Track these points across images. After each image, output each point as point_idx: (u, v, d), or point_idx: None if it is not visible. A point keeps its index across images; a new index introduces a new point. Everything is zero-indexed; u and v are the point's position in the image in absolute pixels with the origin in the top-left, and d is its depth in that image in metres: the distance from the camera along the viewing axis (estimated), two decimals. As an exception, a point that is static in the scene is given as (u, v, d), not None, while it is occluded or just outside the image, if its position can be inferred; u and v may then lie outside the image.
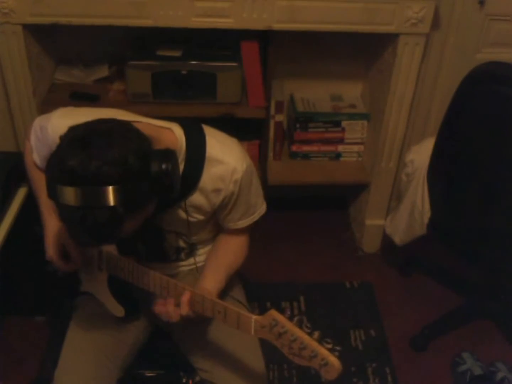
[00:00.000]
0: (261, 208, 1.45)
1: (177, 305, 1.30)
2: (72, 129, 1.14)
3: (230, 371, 1.43)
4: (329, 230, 2.67)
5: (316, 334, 1.11)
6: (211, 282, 1.37)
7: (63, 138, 1.14)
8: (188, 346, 1.52)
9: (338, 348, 1.11)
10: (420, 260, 2.51)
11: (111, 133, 1.12)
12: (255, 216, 1.44)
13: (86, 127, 1.14)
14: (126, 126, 1.17)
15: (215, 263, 1.44)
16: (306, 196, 2.73)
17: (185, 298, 1.28)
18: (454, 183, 1.90)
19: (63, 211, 1.11)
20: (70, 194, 1.08)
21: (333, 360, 1.08)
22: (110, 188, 1.07)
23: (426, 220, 2.03)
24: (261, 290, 2.24)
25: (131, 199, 1.11)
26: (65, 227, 1.16)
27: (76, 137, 1.11)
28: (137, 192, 1.12)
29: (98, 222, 1.09)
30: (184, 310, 1.28)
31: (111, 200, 1.08)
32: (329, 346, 1.10)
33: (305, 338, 1.10)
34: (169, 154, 1.18)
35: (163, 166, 1.14)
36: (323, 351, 1.09)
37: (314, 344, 1.09)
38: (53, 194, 1.11)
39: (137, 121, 1.26)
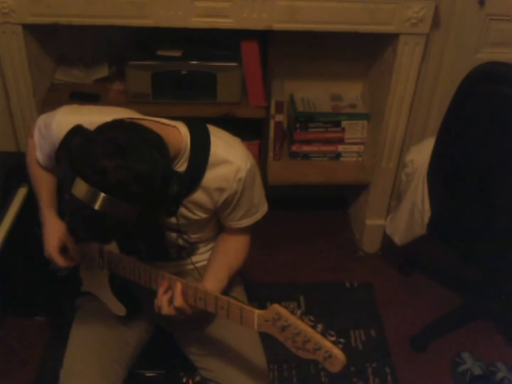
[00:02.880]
0: (263, 208, 1.45)
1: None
2: (114, 128, 1.13)
3: (232, 369, 1.43)
4: (329, 230, 2.67)
5: (320, 326, 1.10)
6: (212, 282, 1.37)
7: (99, 131, 1.13)
8: (189, 345, 1.52)
9: (342, 340, 1.10)
10: (420, 260, 2.51)
11: (149, 146, 1.12)
12: (257, 216, 1.44)
13: (129, 131, 1.13)
14: (160, 140, 1.17)
15: (216, 262, 1.44)
16: (306, 196, 2.73)
17: (177, 289, 1.28)
18: (454, 183, 1.90)
19: (72, 202, 1.11)
20: (89, 193, 1.08)
21: (337, 352, 1.08)
22: (129, 206, 1.09)
23: (426, 220, 2.03)
24: (261, 290, 2.24)
25: (142, 215, 1.12)
26: (66, 218, 1.16)
27: (116, 140, 1.10)
28: (149, 211, 1.14)
29: (104, 226, 1.11)
30: (177, 301, 1.29)
31: (125, 214, 1.10)
32: (333, 338, 1.09)
33: (309, 331, 1.10)
34: (186, 178, 1.22)
35: (181, 186, 1.17)
36: (327, 344, 1.08)
37: (318, 337, 1.09)
38: (69, 182, 1.11)
39: (144, 119, 1.27)
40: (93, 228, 1.12)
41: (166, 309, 1.31)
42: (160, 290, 1.31)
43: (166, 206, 1.18)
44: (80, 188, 1.08)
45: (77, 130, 1.18)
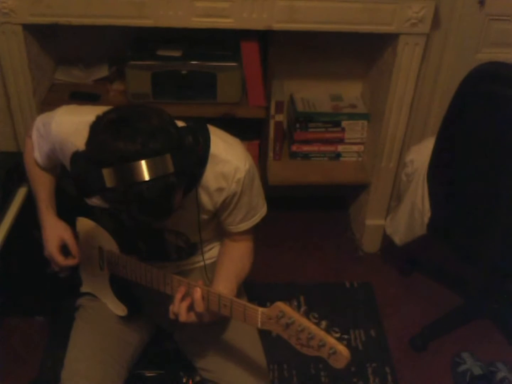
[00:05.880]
0: (262, 210, 1.45)
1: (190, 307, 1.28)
2: (103, 116, 1.12)
3: (232, 370, 1.43)
4: (329, 230, 2.67)
5: (324, 323, 1.10)
6: (224, 292, 1.34)
7: (94, 126, 1.11)
8: (189, 346, 1.52)
9: (346, 336, 1.10)
10: (420, 260, 2.51)
11: (144, 110, 1.12)
12: (256, 219, 1.44)
13: (117, 110, 1.13)
14: (151, 105, 1.17)
15: (225, 272, 1.41)
16: (306, 196, 2.73)
17: (197, 295, 1.26)
18: (454, 183, 1.90)
19: (114, 195, 1.09)
20: (121, 174, 1.06)
21: (342, 348, 1.08)
22: (159, 158, 1.07)
23: (426, 220, 2.02)
24: (261, 290, 2.23)
25: (178, 166, 1.10)
26: (118, 211, 1.14)
27: (112, 120, 1.10)
28: (181, 159, 1.11)
29: (154, 195, 1.08)
30: (200, 307, 1.26)
31: (162, 170, 1.07)
32: (337, 335, 1.09)
33: (313, 327, 1.10)
34: (196, 130, 1.20)
35: (195, 139, 1.17)
36: (331, 340, 1.08)
37: (322, 334, 1.09)
38: (97, 183, 1.08)
39: None
40: (147, 203, 1.08)
41: (184, 317, 1.28)
42: (177, 296, 1.28)
43: (193, 158, 1.16)
44: (112, 177, 1.06)
45: (76, 153, 1.15)
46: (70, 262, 1.43)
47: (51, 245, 1.42)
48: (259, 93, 2.14)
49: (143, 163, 1.06)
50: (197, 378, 1.53)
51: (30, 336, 2.10)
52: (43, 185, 1.47)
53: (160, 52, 2.10)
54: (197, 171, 1.24)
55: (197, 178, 1.29)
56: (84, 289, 1.55)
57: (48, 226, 1.44)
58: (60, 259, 1.42)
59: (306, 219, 2.72)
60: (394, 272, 2.50)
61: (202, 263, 1.51)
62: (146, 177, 1.06)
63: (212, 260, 1.53)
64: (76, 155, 1.14)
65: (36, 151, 1.43)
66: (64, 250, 1.43)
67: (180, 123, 1.31)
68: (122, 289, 1.48)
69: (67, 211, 1.47)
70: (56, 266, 1.46)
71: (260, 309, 1.19)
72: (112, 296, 1.47)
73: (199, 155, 1.19)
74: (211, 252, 1.54)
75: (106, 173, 1.06)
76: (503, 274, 2.11)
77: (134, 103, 1.11)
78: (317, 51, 2.33)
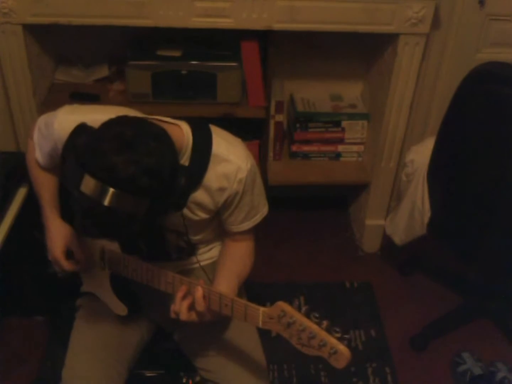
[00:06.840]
0: (263, 209, 1.45)
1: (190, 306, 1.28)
2: (120, 123, 1.13)
3: (232, 370, 1.44)
4: (329, 230, 2.67)
5: (325, 323, 1.11)
6: (225, 291, 1.34)
7: (105, 127, 1.12)
8: (189, 346, 1.52)
9: (347, 336, 1.10)
10: (420, 260, 2.51)
11: (155, 140, 1.12)
12: (258, 218, 1.44)
13: (134, 126, 1.13)
14: (166, 133, 1.18)
15: (226, 272, 1.41)
16: (306, 196, 2.73)
17: (199, 294, 1.26)
18: (454, 183, 1.90)
19: (81, 200, 1.10)
20: (97, 189, 1.07)
21: (342, 348, 1.08)
22: (138, 200, 1.09)
23: (426, 220, 2.03)
24: (261, 290, 2.23)
25: (152, 210, 1.12)
26: (76, 216, 1.15)
27: (123, 135, 1.10)
28: (159, 205, 1.13)
29: (115, 222, 1.10)
30: (201, 306, 1.26)
31: (135, 209, 1.09)
32: (338, 335, 1.10)
33: (314, 327, 1.11)
34: (193, 171, 1.24)
35: (187, 180, 1.17)
36: (332, 340, 1.09)
37: (323, 333, 1.10)
38: (76, 179, 1.10)
39: (146, 117, 1.27)
40: (104, 225, 1.11)
41: (185, 315, 1.28)
42: (179, 295, 1.29)
43: (175, 199, 1.18)
44: (89, 185, 1.08)
45: (82, 128, 1.17)
46: (75, 266, 1.44)
47: (56, 250, 1.42)
48: (259, 93, 2.14)
49: (119, 193, 1.07)
50: (197, 378, 1.54)
51: (30, 336, 2.10)
52: (46, 186, 1.47)
53: (160, 52, 2.10)
54: (174, 210, 1.24)
55: (195, 182, 1.31)
56: (84, 289, 1.56)
57: (53, 229, 1.43)
58: (65, 264, 1.42)
59: (306, 219, 2.72)
60: (394, 272, 2.50)
61: (203, 263, 1.51)
62: (113, 205, 1.07)
63: (213, 260, 1.54)
64: (80, 128, 1.16)
65: (38, 151, 1.43)
66: (69, 253, 1.43)
67: (182, 123, 1.32)
68: (123, 288, 1.48)
69: (68, 211, 1.47)
70: (60, 269, 1.46)
71: (262, 309, 1.19)
72: (112, 295, 1.47)
73: (182, 196, 1.20)
74: (211, 252, 1.54)
75: (87, 179, 1.08)
76: (503, 274, 2.11)
77: (150, 123, 1.13)
78: (317, 51, 2.33)
